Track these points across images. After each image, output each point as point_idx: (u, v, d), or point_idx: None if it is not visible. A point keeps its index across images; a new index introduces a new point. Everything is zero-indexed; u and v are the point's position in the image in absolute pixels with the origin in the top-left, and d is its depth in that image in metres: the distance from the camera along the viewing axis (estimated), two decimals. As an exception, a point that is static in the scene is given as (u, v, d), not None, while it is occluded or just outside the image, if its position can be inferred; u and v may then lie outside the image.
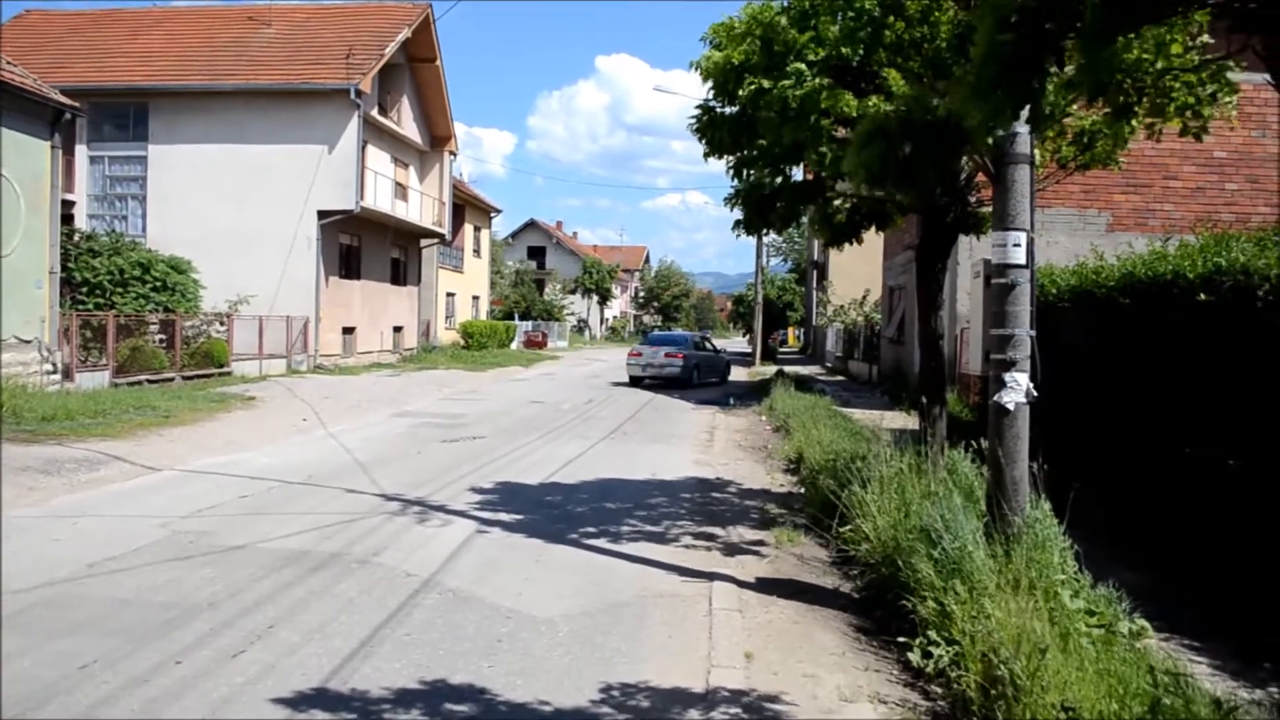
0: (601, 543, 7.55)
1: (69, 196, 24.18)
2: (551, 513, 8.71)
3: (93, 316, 18.36)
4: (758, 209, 8.24)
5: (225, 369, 21.32)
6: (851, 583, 6.48)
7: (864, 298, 32.77)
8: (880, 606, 5.72)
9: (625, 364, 26.25)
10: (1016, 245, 5.37)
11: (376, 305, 30.05)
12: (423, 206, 32.80)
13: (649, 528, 8.12)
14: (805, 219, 9.64)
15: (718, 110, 7.53)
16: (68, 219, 22.93)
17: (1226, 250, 6.70)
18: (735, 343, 66.75)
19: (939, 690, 4.58)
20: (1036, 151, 5.85)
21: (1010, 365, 5.34)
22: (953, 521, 5.29)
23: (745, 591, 6.25)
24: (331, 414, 16.10)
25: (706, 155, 7.75)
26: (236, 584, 6.17)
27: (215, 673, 4.72)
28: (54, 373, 16.64)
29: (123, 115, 25.56)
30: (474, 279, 42.94)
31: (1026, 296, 5.37)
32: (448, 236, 34.96)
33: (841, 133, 7.12)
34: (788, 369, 28.33)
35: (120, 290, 20.53)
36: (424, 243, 34.31)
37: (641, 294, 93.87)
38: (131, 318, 19.16)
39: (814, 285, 49.40)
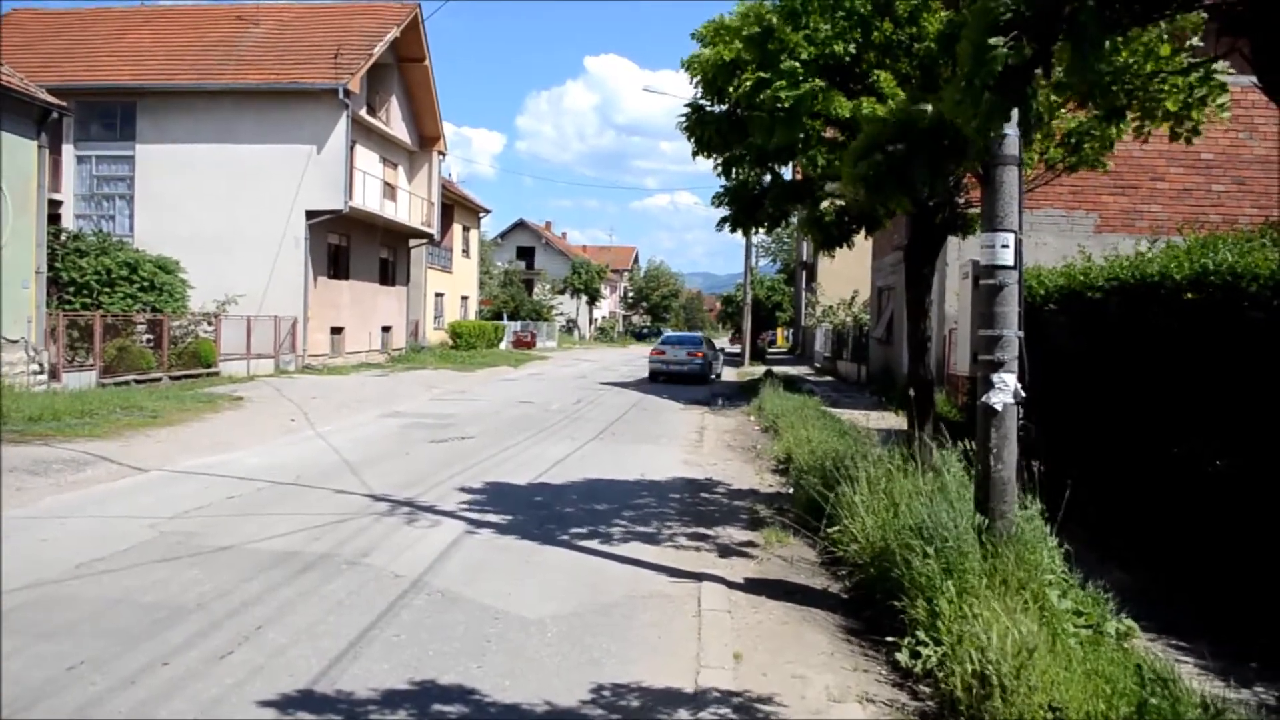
0: (591, 543, 7.54)
1: (56, 196, 24.03)
2: (541, 513, 8.70)
3: (79, 316, 18.24)
4: (746, 208, 8.25)
5: (213, 369, 21.22)
6: (840, 583, 6.49)
7: (853, 299, 32.85)
8: (869, 607, 5.73)
9: (647, 361, 29.07)
10: (1005, 246, 5.40)
11: (365, 305, 29.98)
12: (411, 207, 32.74)
13: (638, 528, 8.12)
14: (794, 219, 9.65)
15: (707, 109, 7.53)
16: (54, 219, 22.80)
17: (1213, 251, 6.74)
18: (721, 343, 66.96)
19: (927, 690, 4.59)
20: (1025, 154, 5.87)
21: (998, 366, 5.36)
22: (942, 521, 5.30)
23: (734, 592, 6.26)
24: (320, 414, 16.05)
25: (695, 154, 7.75)
26: (224, 585, 6.14)
27: (204, 674, 4.69)
28: (40, 373, 16.53)
29: (110, 114, 25.41)
30: (463, 279, 42.87)
31: (1015, 297, 5.39)
32: (436, 237, 34.88)
33: (831, 133, 7.13)
34: (776, 369, 28.41)
35: (107, 290, 20.40)
36: (413, 243, 34.24)
37: (631, 294, 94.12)
38: (119, 318, 19.05)
39: (803, 286, 49.52)
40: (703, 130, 7.46)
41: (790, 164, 8.11)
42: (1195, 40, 5.39)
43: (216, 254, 24.43)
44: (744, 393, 22.68)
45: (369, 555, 7.00)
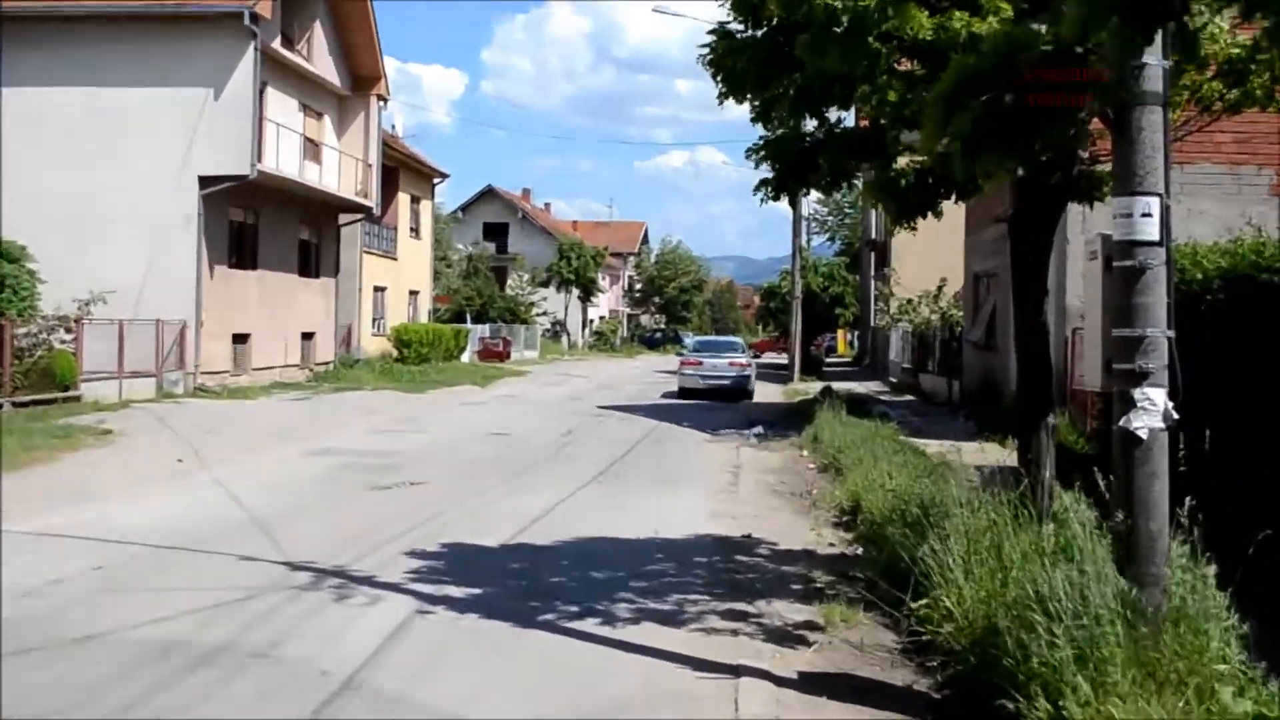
0: (587, 625, 7.51)
1: None
2: (518, 585, 8.68)
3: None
4: (793, 167, 8.20)
5: (72, 392, 21.27)
6: (929, 677, 6.44)
7: (940, 289, 32.80)
8: (969, 709, 5.68)
9: (678, 374, 30.81)
10: (1146, 215, 5.35)
11: (280, 304, 30.07)
12: (342, 170, 32.86)
13: (651, 604, 8.09)
14: (860, 181, 9.61)
15: (738, 35, 7.52)
16: None
17: None
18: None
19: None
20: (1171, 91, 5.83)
21: (1142, 378, 5.31)
22: (1069, 591, 5.25)
23: (784, 691, 6.21)
24: (218, 453, 16.02)
25: (723, 97, 7.72)
26: (90, 688, 6.10)
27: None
28: None
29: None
30: (412, 268, 43.02)
31: (1161, 285, 5.34)
32: (376, 210, 35.00)
33: (905, 65, 7.10)
34: (837, 385, 28.43)
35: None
36: (344, 219, 34.34)
37: (638, 286, 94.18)
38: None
39: (871, 272, 49.55)
40: (734, 63, 7.45)
41: (851, 107, 8.09)
42: None
43: (77, 236, 24.54)
44: (792, 418, 22.63)
45: (284, 645, 6.95)
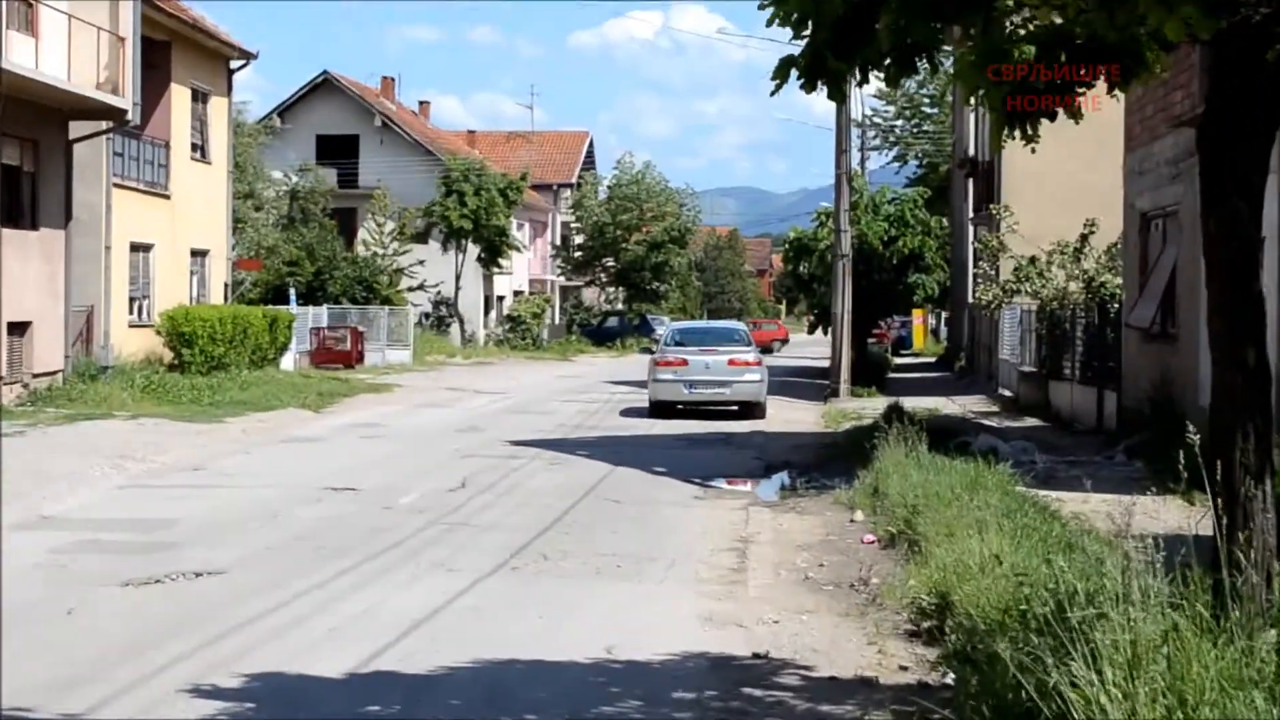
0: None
1: None
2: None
3: None
4: (837, 35, 8.17)
5: None
6: None
7: (1084, 240, 32.84)
8: None
9: (648, 381, 31.12)
10: None
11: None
12: (74, 47, 32.61)
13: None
14: (945, 62, 9.58)
15: None
16: None
17: None
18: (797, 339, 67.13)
19: None
20: None
21: None
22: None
23: None
24: None
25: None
26: None
27: None
28: None
29: None
30: (196, 213, 42.82)
31: None
32: (133, 115, 34.74)
33: None
34: (910, 403, 28.60)
35: None
36: (78, 130, 34.09)
37: (580, 239, 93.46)
38: None
39: (968, 213, 49.62)
40: None
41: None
42: None
43: None
44: (836, 457, 22.90)
45: None
